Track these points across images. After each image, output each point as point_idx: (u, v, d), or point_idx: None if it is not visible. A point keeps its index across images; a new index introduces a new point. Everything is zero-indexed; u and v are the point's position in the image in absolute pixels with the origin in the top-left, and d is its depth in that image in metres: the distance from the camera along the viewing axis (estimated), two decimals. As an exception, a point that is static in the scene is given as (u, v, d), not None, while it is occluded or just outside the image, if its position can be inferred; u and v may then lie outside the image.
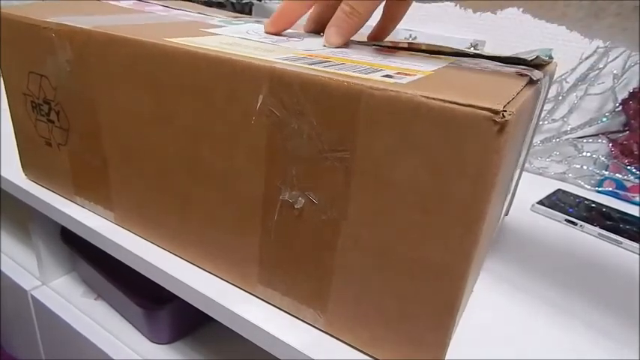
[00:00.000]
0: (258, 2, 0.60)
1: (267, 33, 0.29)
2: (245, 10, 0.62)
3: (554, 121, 0.51)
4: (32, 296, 0.47)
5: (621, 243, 0.38)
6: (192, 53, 0.23)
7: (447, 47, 0.28)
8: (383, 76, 0.19)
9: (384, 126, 0.18)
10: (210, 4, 0.54)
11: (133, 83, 0.26)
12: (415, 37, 0.54)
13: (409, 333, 0.21)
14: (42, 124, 0.34)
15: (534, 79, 0.22)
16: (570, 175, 0.50)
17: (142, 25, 0.29)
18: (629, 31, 0.19)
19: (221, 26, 0.31)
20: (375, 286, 0.21)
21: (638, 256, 0.37)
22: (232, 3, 0.59)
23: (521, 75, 0.23)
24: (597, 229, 0.39)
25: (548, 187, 0.48)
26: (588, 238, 0.39)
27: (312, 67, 0.20)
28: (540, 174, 0.52)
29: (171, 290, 0.29)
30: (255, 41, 0.26)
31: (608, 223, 0.40)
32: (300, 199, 0.22)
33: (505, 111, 0.16)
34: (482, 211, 0.17)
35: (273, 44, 0.26)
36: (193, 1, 0.54)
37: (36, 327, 0.50)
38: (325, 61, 0.22)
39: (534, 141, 0.52)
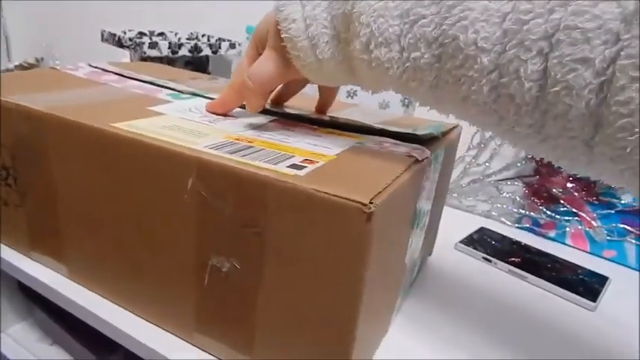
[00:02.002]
0: (213, 55, 0.64)
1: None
2: (203, 61, 0.66)
3: (478, 165, 0.57)
4: (-12, 344, 0.48)
5: (527, 278, 0.43)
6: (131, 141, 0.27)
7: (359, 123, 0.33)
8: (289, 166, 0.24)
9: (286, 210, 0.23)
10: (170, 61, 0.59)
11: (84, 162, 0.30)
12: (355, 91, 0.60)
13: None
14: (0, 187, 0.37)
15: (420, 159, 0.28)
16: (494, 213, 0.56)
17: (92, 105, 0.33)
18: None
19: (168, 101, 0.36)
20: (289, 338, 0.25)
21: (541, 289, 0.42)
22: (191, 56, 0.63)
23: (410, 156, 0.28)
24: (507, 266, 0.45)
25: (476, 224, 0.54)
26: (500, 274, 0.44)
27: (232, 156, 0.25)
28: (470, 212, 0.58)
29: (117, 341, 0.32)
30: (194, 122, 0.31)
31: (520, 259, 0.46)
32: (225, 264, 0.26)
33: (372, 203, 0.21)
34: (361, 279, 0.22)
35: (210, 125, 0.31)
36: (153, 59, 0.58)
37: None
38: (247, 147, 0.26)
39: (463, 182, 0.58)
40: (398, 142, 0.30)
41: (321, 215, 0.22)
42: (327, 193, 0.21)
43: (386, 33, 0.23)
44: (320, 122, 0.34)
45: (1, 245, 0.39)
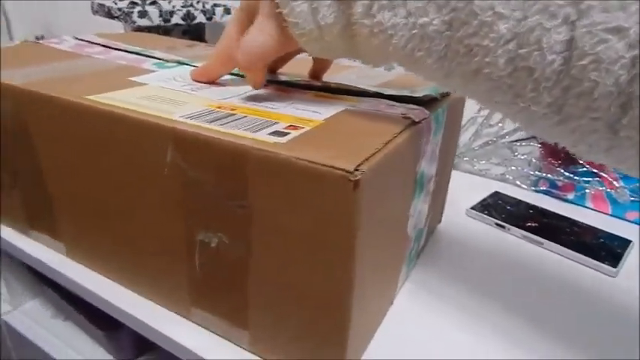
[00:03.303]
0: (209, 22, 0.61)
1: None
2: (200, 29, 0.63)
3: (490, 126, 0.54)
4: (4, 321, 0.50)
5: (542, 244, 0.41)
6: (105, 113, 0.25)
7: (353, 87, 0.31)
8: (270, 133, 0.22)
9: (268, 180, 0.21)
10: (166, 31, 0.56)
11: (62, 136, 0.28)
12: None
13: (314, 352, 0.24)
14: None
15: (417, 120, 0.25)
16: (509, 176, 0.53)
17: (70, 78, 0.31)
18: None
19: (152, 71, 0.34)
20: (283, 312, 0.24)
21: (558, 256, 0.40)
22: (188, 24, 0.60)
23: (406, 118, 0.25)
24: (521, 232, 0.42)
25: (490, 188, 0.51)
26: (514, 241, 0.42)
27: (211, 125, 0.23)
28: (483, 175, 0.55)
29: (116, 317, 0.31)
30: (175, 91, 0.29)
31: (536, 224, 0.44)
32: (214, 239, 0.25)
33: (358, 170, 0.19)
34: (352, 251, 0.20)
35: (192, 93, 0.29)
36: (150, 30, 0.56)
37: (11, 351, 0.53)
38: (228, 115, 0.25)
39: (475, 145, 0.55)
40: (394, 103, 0.28)
41: (304, 185, 0.20)
42: (308, 161, 0.19)
43: None
44: (311, 87, 0.32)
45: (1, 226, 0.39)
